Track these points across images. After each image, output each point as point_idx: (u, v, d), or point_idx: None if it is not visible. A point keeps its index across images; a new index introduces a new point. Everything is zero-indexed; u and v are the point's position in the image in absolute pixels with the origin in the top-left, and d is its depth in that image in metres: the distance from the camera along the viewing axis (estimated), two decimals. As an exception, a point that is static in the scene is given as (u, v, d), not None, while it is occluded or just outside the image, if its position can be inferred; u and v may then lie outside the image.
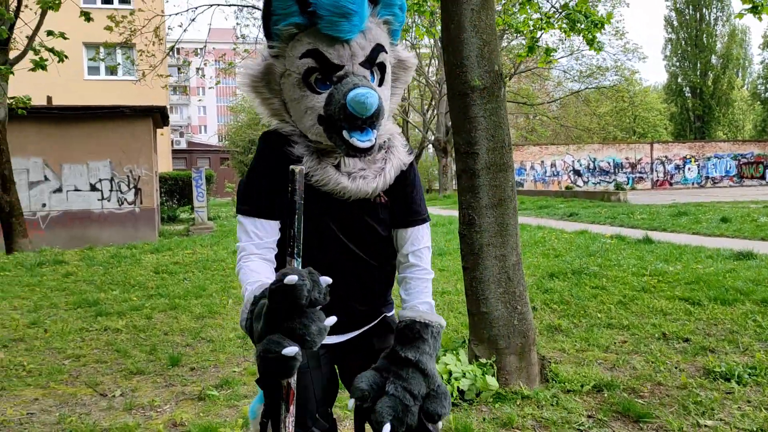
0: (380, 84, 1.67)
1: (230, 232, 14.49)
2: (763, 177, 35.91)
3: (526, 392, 3.58)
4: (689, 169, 35.42)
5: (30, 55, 9.95)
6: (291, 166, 1.41)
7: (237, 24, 38.23)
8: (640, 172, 34.98)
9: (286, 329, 1.29)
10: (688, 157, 35.43)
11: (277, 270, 1.67)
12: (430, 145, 35.36)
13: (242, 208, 1.71)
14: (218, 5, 13.50)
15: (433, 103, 31.78)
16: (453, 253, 9.19)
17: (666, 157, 35.24)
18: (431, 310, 1.76)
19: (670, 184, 35.10)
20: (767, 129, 48.13)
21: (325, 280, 1.33)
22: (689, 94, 48.91)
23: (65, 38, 8.43)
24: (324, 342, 1.35)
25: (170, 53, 15.08)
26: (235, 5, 16.51)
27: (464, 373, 3.56)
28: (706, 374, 3.89)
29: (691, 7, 48.10)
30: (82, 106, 14.28)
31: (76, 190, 13.83)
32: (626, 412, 3.33)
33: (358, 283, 1.78)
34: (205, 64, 13.98)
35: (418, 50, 27.87)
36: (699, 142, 37.04)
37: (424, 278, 1.81)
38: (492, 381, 3.55)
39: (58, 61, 8.58)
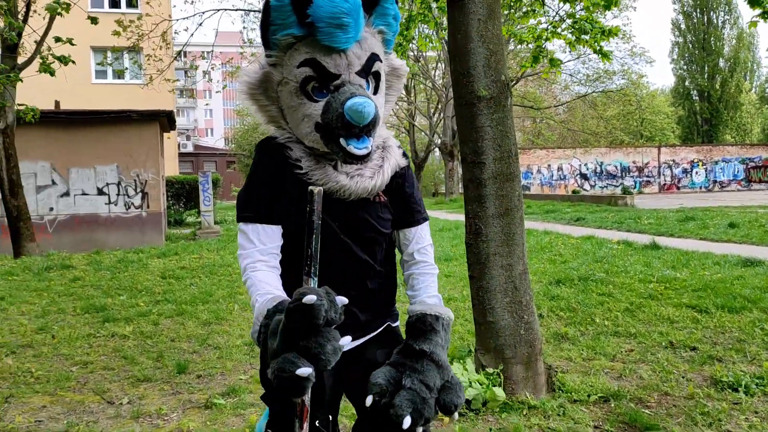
0: (375, 92, 1.71)
1: (236, 236, 14.45)
2: (771, 181, 35.75)
3: (533, 402, 3.58)
4: (697, 173, 35.19)
5: (38, 60, 10.01)
6: (310, 188, 1.45)
7: (244, 28, 38.31)
8: (648, 176, 34.77)
9: (302, 348, 1.31)
10: (695, 160, 35.21)
11: (283, 278, 1.69)
12: (437, 149, 35.36)
13: (244, 216, 1.73)
14: (225, 10, 13.61)
15: (440, 106, 31.76)
16: (459, 258, 9.19)
17: (673, 160, 35.03)
18: (440, 303, 1.80)
19: (678, 188, 34.90)
20: (775, 132, 47.99)
21: (341, 300, 1.36)
22: (697, 98, 48.78)
23: (72, 44, 8.49)
24: None
25: (177, 57, 15.17)
26: (241, 10, 16.61)
27: (471, 383, 3.56)
28: (713, 384, 3.87)
29: (698, 10, 48.03)
30: (90, 111, 14.37)
31: (84, 194, 13.90)
32: (633, 423, 3.32)
33: (359, 283, 1.79)
34: (212, 68, 14.06)
35: (424, 53, 27.89)
36: (707, 146, 36.80)
37: (430, 273, 1.86)
38: (499, 391, 3.55)
39: (65, 65, 8.66)
